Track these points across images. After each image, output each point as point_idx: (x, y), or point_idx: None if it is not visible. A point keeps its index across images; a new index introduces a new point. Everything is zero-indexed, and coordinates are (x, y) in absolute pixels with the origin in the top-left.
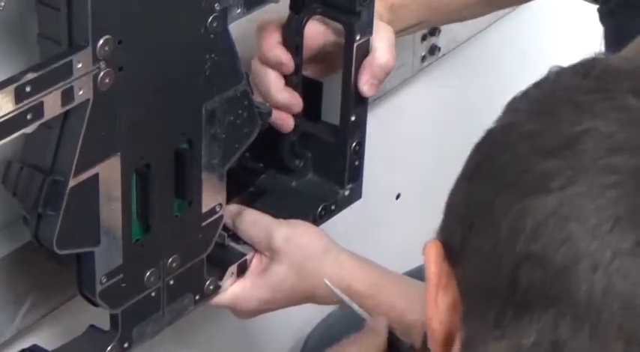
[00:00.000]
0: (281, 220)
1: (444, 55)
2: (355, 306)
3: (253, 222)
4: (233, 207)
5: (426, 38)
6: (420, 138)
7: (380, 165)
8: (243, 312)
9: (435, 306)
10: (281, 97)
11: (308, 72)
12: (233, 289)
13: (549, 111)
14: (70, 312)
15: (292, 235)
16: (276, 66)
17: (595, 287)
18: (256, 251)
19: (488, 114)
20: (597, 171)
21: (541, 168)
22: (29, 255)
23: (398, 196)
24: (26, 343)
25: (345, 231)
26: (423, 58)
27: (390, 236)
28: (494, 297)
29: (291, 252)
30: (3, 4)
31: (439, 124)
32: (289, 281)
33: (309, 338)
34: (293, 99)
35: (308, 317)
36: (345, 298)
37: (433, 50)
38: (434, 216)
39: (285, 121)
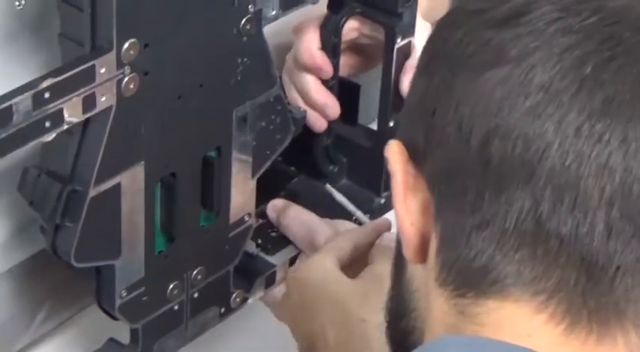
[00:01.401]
0: (325, 219)
1: None
2: (359, 213)
3: (297, 218)
4: (279, 202)
5: None
6: None
7: None
8: None
9: (405, 208)
10: (319, 98)
11: (342, 68)
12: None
13: None
14: (87, 320)
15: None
16: (313, 71)
17: (569, 154)
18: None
19: None
20: (554, 34)
21: (496, 40)
22: (46, 261)
23: None
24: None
25: None
26: None
27: None
28: (466, 180)
29: None
30: (24, 2)
31: None
32: None
33: None
34: (330, 101)
35: None
36: (349, 205)
37: None
38: None
39: (320, 121)
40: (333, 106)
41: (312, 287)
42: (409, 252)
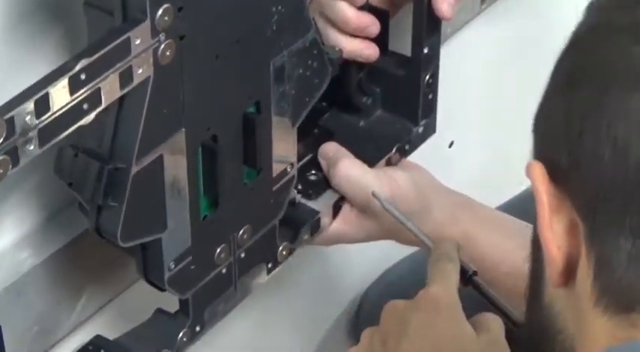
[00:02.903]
0: (380, 175)
1: None
2: (414, 228)
3: (348, 177)
4: (330, 148)
5: None
6: (477, 84)
7: None
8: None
9: (550, 231)
10: (362, 20)
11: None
12: (335, 228)
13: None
14: (129, 299)
15: (391, 197)
16: None
17: None
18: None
19: (548, 58)
20: None
21: None
22: (83, 243)
23: (451, 144)
24: (87, 335)
25: None
26: (483, 0)
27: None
28: (625, 202)
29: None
30: None
31: (497, 70)
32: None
33: (366, 293)
34: (371, 21)
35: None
36: (402, 218)
37: None
38: (487, 164)
39: (372, 49)
40: (375, 24)
41: (441, 329)
42: (554, 275)
